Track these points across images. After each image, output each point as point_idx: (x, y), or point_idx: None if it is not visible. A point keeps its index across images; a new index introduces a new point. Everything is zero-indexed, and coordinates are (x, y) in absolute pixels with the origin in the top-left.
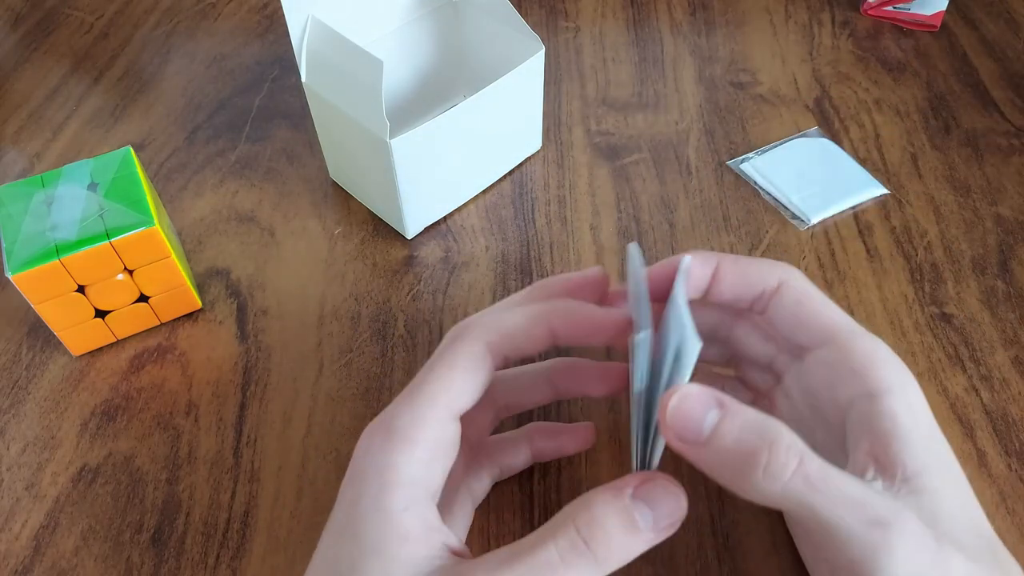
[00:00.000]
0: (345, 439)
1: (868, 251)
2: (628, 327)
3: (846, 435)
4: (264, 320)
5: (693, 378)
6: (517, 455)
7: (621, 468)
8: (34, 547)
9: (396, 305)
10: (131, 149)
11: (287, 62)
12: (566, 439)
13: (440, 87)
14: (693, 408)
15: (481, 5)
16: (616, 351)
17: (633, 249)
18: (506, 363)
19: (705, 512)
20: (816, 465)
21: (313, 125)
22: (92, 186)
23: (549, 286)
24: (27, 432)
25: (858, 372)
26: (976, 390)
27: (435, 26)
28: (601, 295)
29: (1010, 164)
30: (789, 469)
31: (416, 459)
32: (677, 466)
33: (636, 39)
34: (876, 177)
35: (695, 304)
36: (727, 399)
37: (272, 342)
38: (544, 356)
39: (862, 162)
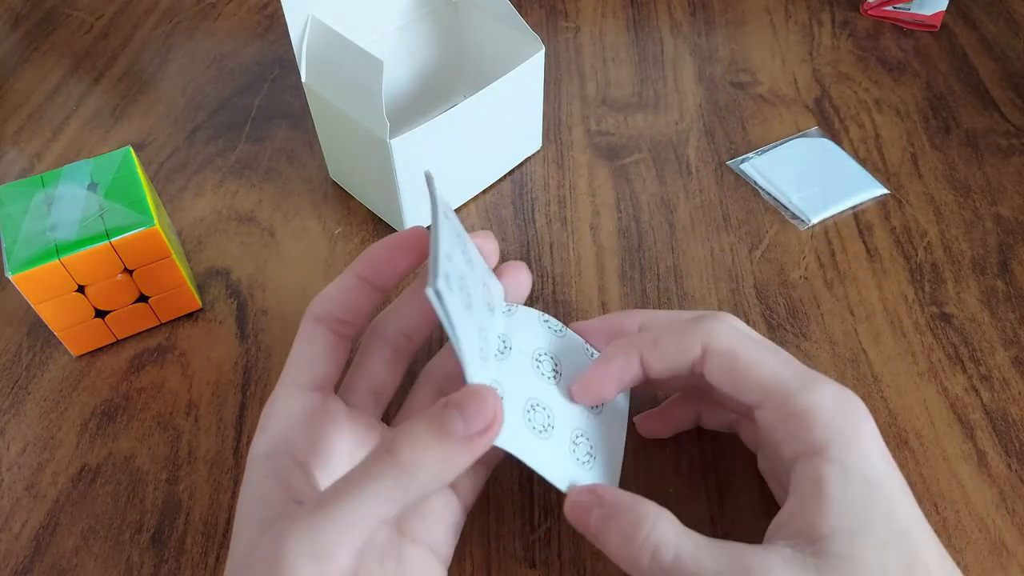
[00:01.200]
0: None
1: (868, 251)
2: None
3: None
4: (264, 320)
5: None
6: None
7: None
8: (34, 547)
9: None
10: (131, 149)
11: (287, 62)
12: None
13: (440, 87)
14: (581, 509)
15: (481, 5)
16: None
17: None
18: (343, 325)
19: (705, 512)
20: (671, 556)
21: (313, 125)
22: (92, 186)
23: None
24: (27, 432)
25: (792, 434)
26: (976, 390)
27: (435, 26)
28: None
29: (1010, 164)
30: (643, 563)
31: (269, 435)
32: (679, 466)
33: (636, 39)
34: (876, 177)
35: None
36: (607, 497)
37: (272, 342)
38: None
39: (862, 162)
